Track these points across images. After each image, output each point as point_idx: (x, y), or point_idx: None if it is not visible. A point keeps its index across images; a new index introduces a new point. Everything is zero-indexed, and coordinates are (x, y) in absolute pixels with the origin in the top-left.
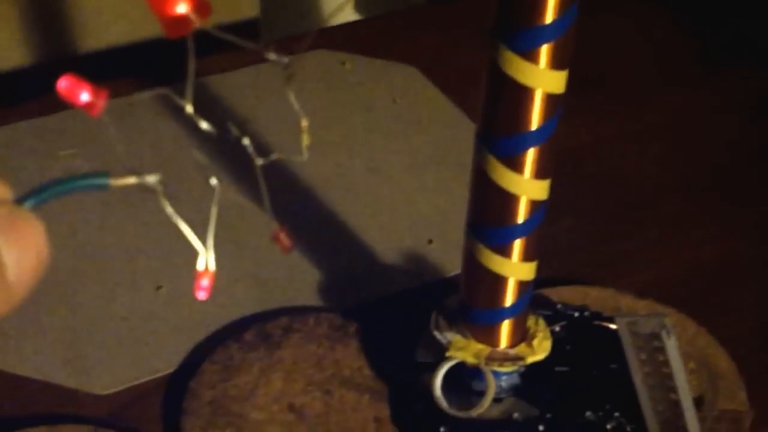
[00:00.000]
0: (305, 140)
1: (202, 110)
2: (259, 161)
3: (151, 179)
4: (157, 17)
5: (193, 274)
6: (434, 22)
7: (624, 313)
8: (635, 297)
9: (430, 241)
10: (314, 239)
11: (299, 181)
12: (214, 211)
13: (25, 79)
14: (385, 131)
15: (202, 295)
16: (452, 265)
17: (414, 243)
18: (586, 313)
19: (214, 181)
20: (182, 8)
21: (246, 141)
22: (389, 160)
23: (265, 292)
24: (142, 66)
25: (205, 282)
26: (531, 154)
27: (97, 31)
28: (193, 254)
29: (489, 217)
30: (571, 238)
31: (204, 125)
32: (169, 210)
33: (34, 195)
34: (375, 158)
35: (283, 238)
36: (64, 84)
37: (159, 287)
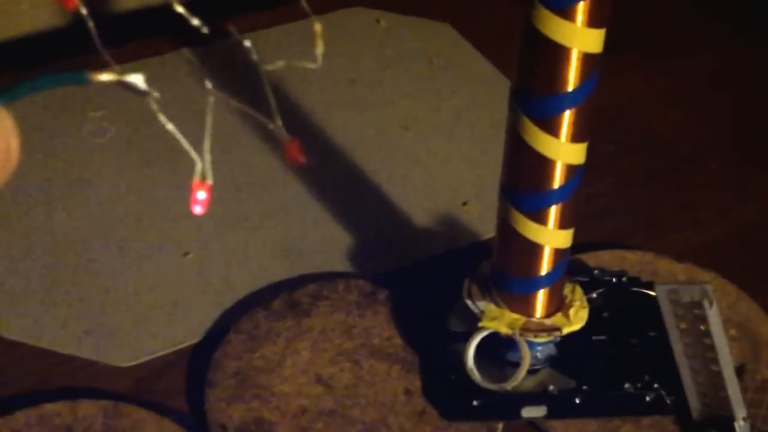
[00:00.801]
0: (319, 46)
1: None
2: (267, 67)
3: (136, 78)
4: None
5: (223, 240)
6: None
7: (663, 278)
8: (674, 260)
9: (465, 203)
10: (344, 201)
11: (330, 138)
12: (209, 118)
13: (50, 41)
14: (420, 90)
15: (198, 210)
16: (487, 228)
17: (448, 205)
18: (624, 279)
19: (208, 84)
20: None
21: (248, 43)
22: (424, 120)
23: (294, 258)
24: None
25: (201, 195)
26: (567, 117)
27: None
28: (222, 219)
29: (523, 182)
30: (607, 200)
31: (195, 21)
32: (162, 118)
33: (6, 90)
34: (409, 117)
35: (295, 150)
36: None
37: (186, 253)
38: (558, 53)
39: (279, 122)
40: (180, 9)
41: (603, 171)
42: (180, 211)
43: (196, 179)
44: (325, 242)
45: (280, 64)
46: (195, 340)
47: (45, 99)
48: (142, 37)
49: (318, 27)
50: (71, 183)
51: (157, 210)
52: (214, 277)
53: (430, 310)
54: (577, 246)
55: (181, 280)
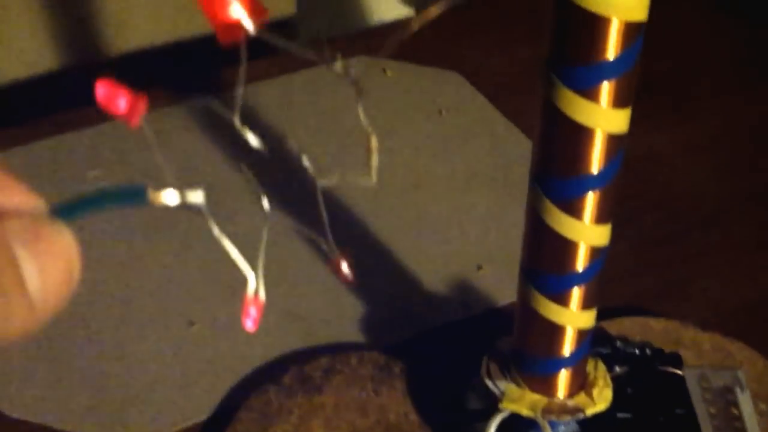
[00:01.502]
0: (374, 161)
1: (247, 120)
2: (322, 182)
3: (197, 197)
4: (210, 22)
5: (230, 309)
6: (481, 22)
7: (688, 348)
8: (699, 329)
9: (480, 267)
10: (352, 266)
11: (333, 199)
12: (264, 235)
13: (44, 90)
14: (430, 145)
15: (249, 325)
16: (504, 293)
17: (462, 269)
18: (648, 351)
19: (266, 204)
20: (237, 11)
21: (306, 160)
22: (435, 177)
23: (304, 328)
24: (174, 72)
25: (253, 311)
26: (591, 198)
27: (124, 32)
28: (230, 287)
29: (545, 264)
30: (628, 261)
31: (254, 140)
32: (216, 231)
33: (65, 208)
34: (419, 174)
35: (344, 268)
36: (102, 91)
37: (192, 323)
38: (581, 135)
39: (330, 239)
40: (247, 133)
41: (622, 229)
42: (184, 278)
43: (250, 294)
44: (335, 310)
45: (334, 179)
46: (202, 417)
47: (39, 158)
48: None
49: (374, 142)
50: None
51: (161, 277)
52: (222, 349)
53: (448, 384)
54: (597, 312)
55: (187, 352)
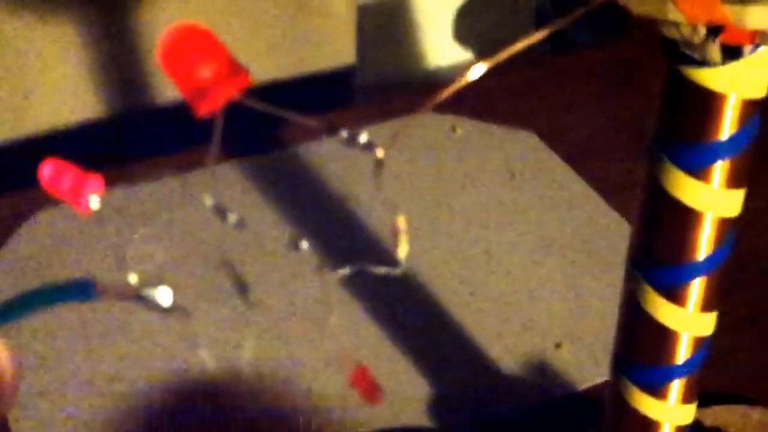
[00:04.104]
0: (403, 246)
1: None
2: (333, 275)
3: (161, 293)
4: (181, 91)
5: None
6: (557, 76)
7: None
8: None
9: (558, 345)
10: (420, 342)
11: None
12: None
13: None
14: (502, 210)
15: None
16: (585, 374)
17: (539, 347)
18: None
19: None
20: (206, 73)
21: (305, 245)
22: (507, 246)
23: (367, 412)
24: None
25: None
26: (696, 286)
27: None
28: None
29: (641, 354)
30: (724, 342)
31: (233, 219)
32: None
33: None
34: (490, 243)
35: (365, 380)
36: (47, 171)
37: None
38: (689, 218)
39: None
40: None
41: (719, 307)
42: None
43: None
44: (404, 392)
45: (353, 269)
46: None
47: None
48: None
49: (402, 222)
50: (109, 323)
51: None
52: None
53: None
54: None
55: None
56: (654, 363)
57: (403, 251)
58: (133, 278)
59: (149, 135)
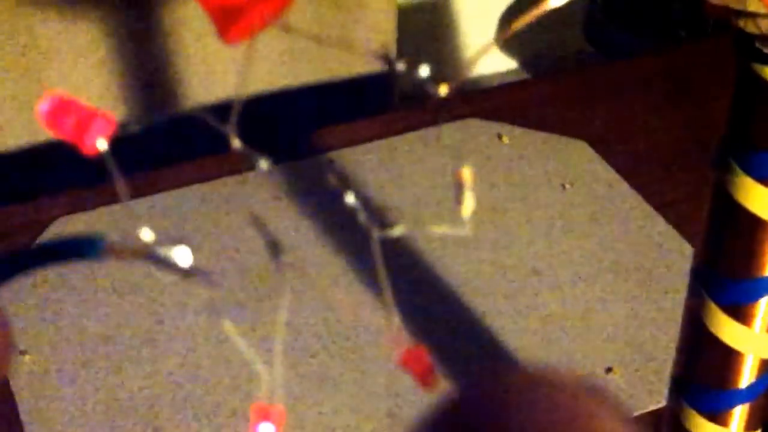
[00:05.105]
0: (468, 203)
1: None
2: (376, 232)
3: (179, 252)
4: (208, 14)
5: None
6: (610, 83)
7: None
8: None
9: (609, 370)
10: (457, 362)
11: (442, 282)
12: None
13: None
14: (551, 224)
15: None
16: (637, 401)
17: (589, 372)
18: None
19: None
20: None
21: (351, 198)
22: (556, 262)
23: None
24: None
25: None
26: (764, 304)
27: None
28: (310, 376)
29: (703, 376)
30: None
31: (265, 165)
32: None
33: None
34: (538, 259)
35: (419, 362)
36: (48, 105)
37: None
38: (758, 228)
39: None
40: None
41: None
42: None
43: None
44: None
45: (396, 231)
46: None
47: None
48: None
49: (468, 175)
50: (140, 339)
51: (236, 370)
52: None
53: None
54: None
55: None
56: (716, 387)
57: (467, 209)
58: (146, 234)
59: (170, 139)
